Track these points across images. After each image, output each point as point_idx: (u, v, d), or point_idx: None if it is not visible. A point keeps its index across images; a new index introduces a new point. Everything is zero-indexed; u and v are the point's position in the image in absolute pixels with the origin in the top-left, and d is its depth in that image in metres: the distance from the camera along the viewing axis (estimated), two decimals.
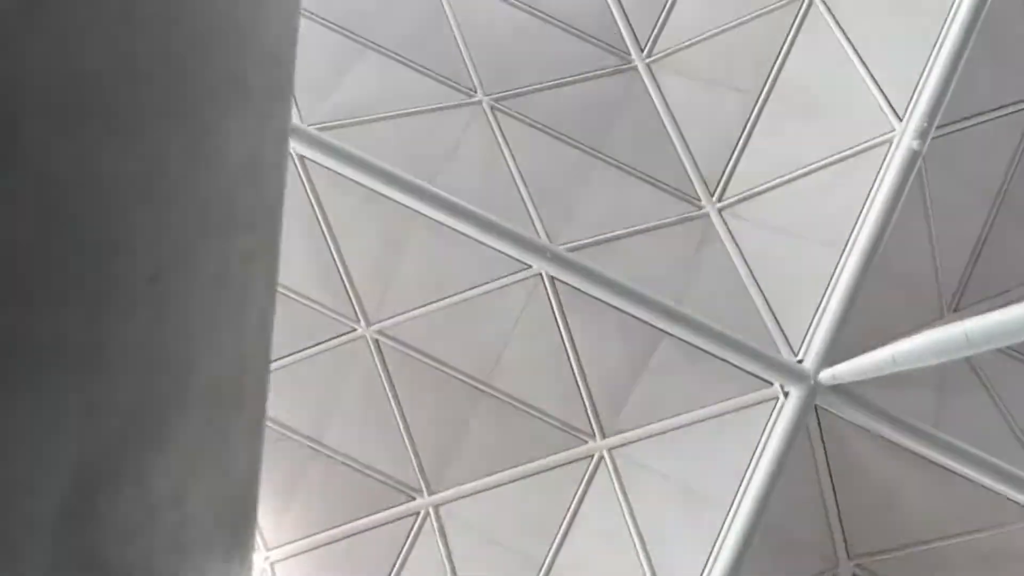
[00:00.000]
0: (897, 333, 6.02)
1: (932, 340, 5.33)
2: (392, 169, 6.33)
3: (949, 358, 5.01)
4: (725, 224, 6.69)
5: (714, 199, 6.79)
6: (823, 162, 6.51)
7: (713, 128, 6.98)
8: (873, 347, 5.98)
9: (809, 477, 6.30)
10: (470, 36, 7.23)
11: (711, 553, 6.00)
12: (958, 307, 6.40)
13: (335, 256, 6.70)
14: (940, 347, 5.26)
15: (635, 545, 6.32)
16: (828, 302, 6.08)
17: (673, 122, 7.03)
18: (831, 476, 6.35)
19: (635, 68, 7.26)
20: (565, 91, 7.11)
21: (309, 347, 6.94)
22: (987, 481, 6.21)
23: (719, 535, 6.01)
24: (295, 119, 6.45)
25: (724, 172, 6.84)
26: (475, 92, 6.97)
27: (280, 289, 6.71)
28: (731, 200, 6.75)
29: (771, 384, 6.17)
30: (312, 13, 7.06)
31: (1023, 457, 6.32)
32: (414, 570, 6.96)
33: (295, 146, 6.42)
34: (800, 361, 6.09)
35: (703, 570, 6.01)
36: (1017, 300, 4.61)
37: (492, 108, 6.92)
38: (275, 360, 6.99)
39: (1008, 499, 6.35)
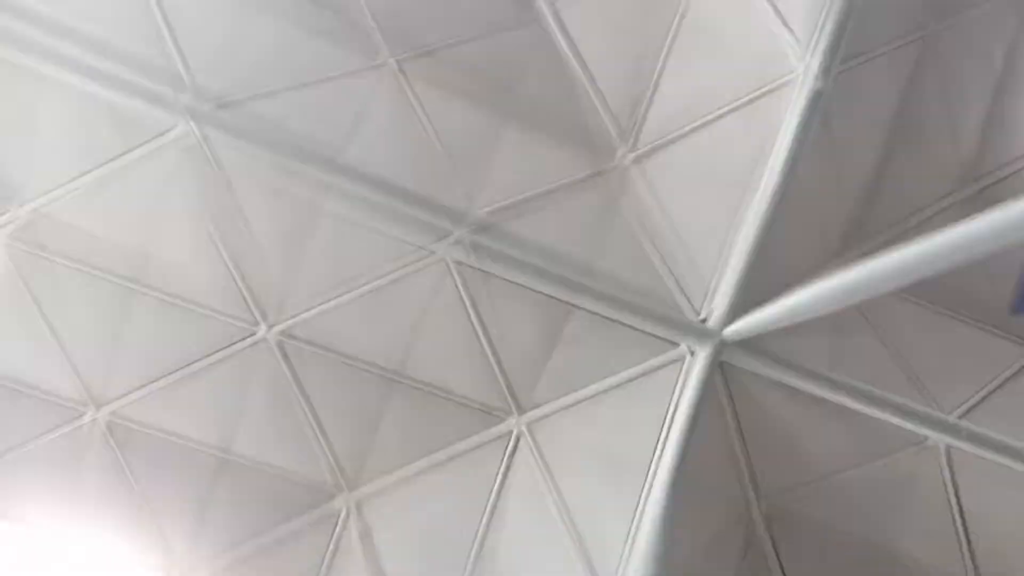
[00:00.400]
0: (797, 279, 6.21)
1: (827, 288, 5.61)
2: (301, 143, 6.03)
3: (845, 304, 5.28)
4: (632, 179, 6.68)
5: (627, 151, 6.71)
6: (726, 108, 6.50)
7: (622, 76, 6.86)
8: (773, 297, 6.21)
9: (719, 430, 6.53)
10: None
11: (635, 516, 6.15)
12: (855, 247, 6.64)
13: (222, 252, 6.40)
14: (835, 295, 5.55)
15: (561, 517, 6.41)
16: (728, 257, 6.23)
17: (582, 64, 6.83)
18: (739, 426, 6.60)
19: (541, 15, 7.01)
20: (470, 46, 6.84)
21: (208, 355, 6.64)
22: (878, 414, 6.58)
23: (640, 498, 6.17)
24: (192, 100, 6.01)
25: (635, 124, 6.78)
26: (379, 54, 6.64)
27: (172, 300, 6.38)
28: (641, 152, 6.70)
29: (677, 345, 6.34)
30: None
31: (908, 390, 6.75)
32: (343, 570, 6.85)
33: (192, 126, 6.00)
34: (704, 320, 6.28)
35: (628, 533, 6.16)
36: (908, 237, 4.87)
37: (399, 70, 6.62)
38: (172, 373, 6.69)
39: (897, 427, 6.76)
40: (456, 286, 6.42)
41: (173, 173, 6.24)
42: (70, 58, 5.88)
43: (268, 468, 6.85)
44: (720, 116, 6.50)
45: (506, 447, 6.67)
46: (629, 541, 6.07)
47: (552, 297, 6.36)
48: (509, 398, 6.63)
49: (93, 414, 6.76)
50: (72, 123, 6.16)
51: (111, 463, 6.83)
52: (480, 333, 6.51)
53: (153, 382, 6.70)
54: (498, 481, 6.64)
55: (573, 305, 6.39)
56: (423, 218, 6.24)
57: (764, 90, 6.34)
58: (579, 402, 6.54)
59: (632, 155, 6.74)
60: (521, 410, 6.65)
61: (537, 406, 6.63)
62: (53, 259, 6.44)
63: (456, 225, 6.26)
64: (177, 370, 6.67)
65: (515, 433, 6.67)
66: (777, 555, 6.73)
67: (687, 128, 6.59)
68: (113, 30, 6.11)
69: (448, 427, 6.72)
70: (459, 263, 6.36)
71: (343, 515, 6.88)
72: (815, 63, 6.09)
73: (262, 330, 6.59)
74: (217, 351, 6.63)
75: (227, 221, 6.37)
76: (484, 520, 6.62)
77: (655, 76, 6.82)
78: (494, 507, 6.62)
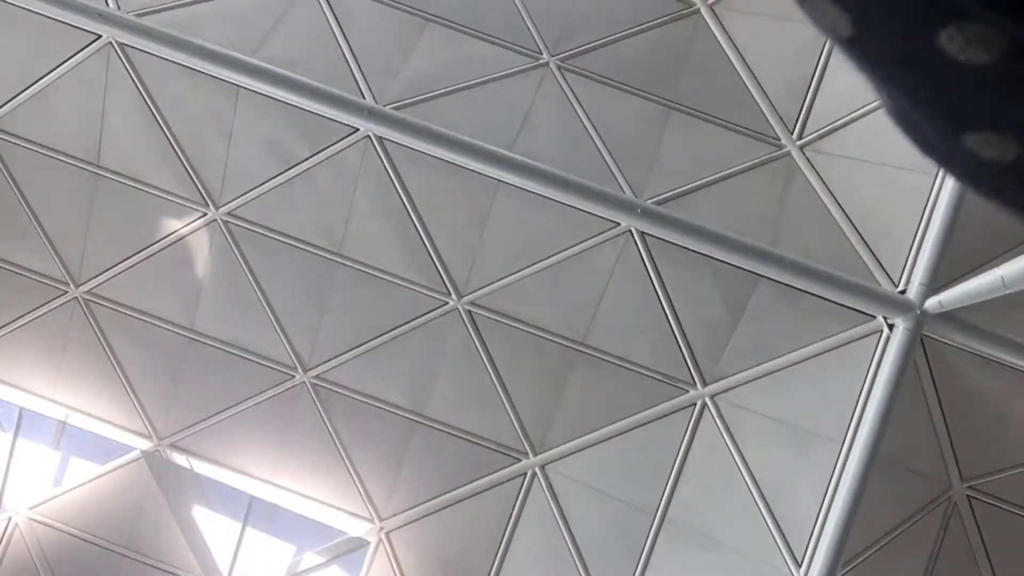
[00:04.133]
0: (997, 253, 5.90)
1: None
2: (471, 140, 6.30)
3: None
4: (808, 161, 6.57)
5: (794, 137, 6.66)
6: None
7: (784, 65, 6.81)
8: (975, 270, 5.89)
9: (919, 405, 6.28)
10: None
11: (828, 488, 6.04)
12: None
13: (421, 233, 6.73)
14: None
15: (748, 487, 6.39)
16: (926, 229, 5.97)
17: (743, 63, 6.87)
18: (940, 403, 6.32)
19: (698, 11, 7.08)
20: (630, 43, 6.97)
21: (404, 324, 7.03)
22: None
23: (834, 471, 6.05)
24: (370, 101, 6.43)
25: (801, 109, 6.69)
26: (541, 54, 6.86)
27: (371, 271, 6.78)
28: (811, 136, 6.62)
29: (874, 317, 6.12)
30: None
31: None
32: (527, 529, 7.13)
33: (372, 127, 6.42)
34: (903, 292, 6.02)
35: (822, 504, 6.06)
36: None
37: (560, 68, 6.82)
38: (372, 339, 7.11)
39: None
40: (640, 256, 6.45)
41: (358, 171, 6.61)
42: (262, 69, 6.33)
43: (457, 431, 7.21)
44: None
45: (690, 418, 6.69)
46: (821, 515, 5.98)
47: (737, 267, 6.28)
48: (693, 369, 6.63)
49: (301, 377, 7.33)
50: (264, 130, 6.65)
51: (316, 422, 7.40)
52: (664, 303, 6.53)
53: (354, 348, 7.17)
54: (681, 451, 6.69)
55: (759, 275, 6.28)
56: (592, 211, 6.33)
57: None
58: (767, 374, 6.45)
59: (801, 140, 6.57)
60: (705, 381, 6.63)
61: (723, 378, 6.59)
62: (265, 234, 6.98)
63: (628, 215, 6.28)
64: (375, 338, 7.10)
65: (699, 404, 6.67)
66: (982, 538, 6.43)
67: (860, 112, 6.36)
68: (300, 49, 6.55)
69: (631, 396, 6.81)
70: (643, 234, 6.38)
71: (528, 476, 7.14)
72: None
73: (452, 300, 6.89)
74: (411, 320, 6.99)
75: (413, 206, 6.68)
76: (667, 489, 6.69)
77: (820, 61, 6.60)
78: (677, 477, 6.68)
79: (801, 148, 6.62)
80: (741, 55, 6.89)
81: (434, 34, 6.90)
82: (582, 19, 7.05)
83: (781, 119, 6.71)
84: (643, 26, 7.03)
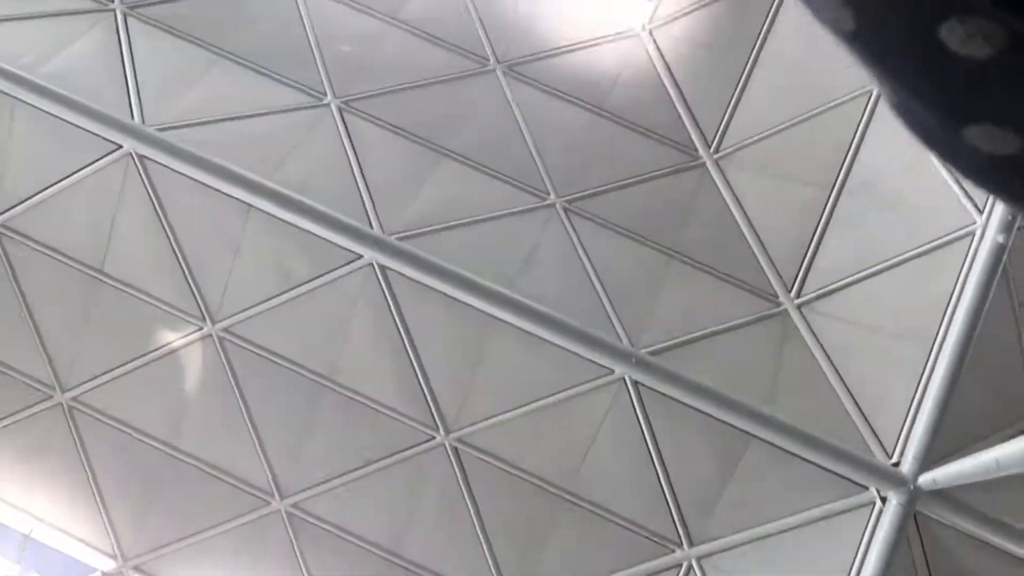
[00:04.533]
0: (992, 433, 5.86)
1: None
2: (472, 276, 6.36)
3: None
4: (806, 321, 6.60)
5: (792, 295, 6.73)
6: (903, 256, 6.43)
7: (786, 223, 6.96)
8: (969, 449, 5.81)
9: None
10: (540, 139, 7.34)
11: None
12: None
13: (414, 364, 6.69)
14: None
15: None
16: (921, 402, 5.92)
17: (745, 218, 7.03)
18: None
19: (703, 165, 7.31)
20: (636, 190, 7.15)
21: (388, 456, 6.88)
22: None
23: None
24: (376, 230, 6.54)
25: (801, 268, 6.79)
26: (548, 194, 7.03)
27: (361, 399, 6.69)
28: (809, 296, 6.68)
29: (866, 488, 5.98)
30: (385, 122, 7.23)
31: None
32: None
33: (376, 256, 6.49)
34: (896, 464, 5.91)
35: None
36: None
37: (566, 210, 6.97)
38: (354, 470, 6.94)
39: None
40: (632, 405, 6.38)
41: (358, 297, 6.67)
42: (273, 191, 6.50)
43: (433, 574, 6.92)
44: (894, 265, 6.40)
45: None
46: None
47: (730, 425, 6.20)
48: (680, 528, 6.43)
49: (277, 504, 7.11)
50: (269, 249, 6.76)
51: (287, 554, 7.12)
52: (654, 456, 6.40)
53: (335, 478, 6.98)
54: None
55: (752, 435, 6.19)
56: (588, 356, 6.33)
57: (940, 241, 6.21)
58: (755, 539, 6.25)
59: (799, 299, 6.66)
60: (692, 542, 6.42)
61: (710, 539, 6.38)
62: (259, 353, 6.94)
63: (623, 363, 6.27)
64: (358, 468, 6.94)
65: (685, 566, 6.44)
66: None
67: (859, 275, 6.49)
68: (312, 171, 6.77)
69: (616, 552, 6.58)
70: (636, 383, 6.34)
71: None
72: (994, 218, 5.94)
73: (440, 436, 6.77)
74: (396, 452, 6.85)
75: (409, 336, 6.68)
76: None
77: (821, 223, 6.79)
78: None
79: (799, 307, 6.67)
80: (744, 210, 7.04)
81: (448, 169, 7.09)
82: (591, 164, 7.26)
83: (780, 277, 6.79)
84: (650, 174, 7.23)
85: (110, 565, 7.33)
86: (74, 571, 7.29)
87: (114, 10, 7.52)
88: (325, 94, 7.32)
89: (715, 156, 7.32)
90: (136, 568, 7.32)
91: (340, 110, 7.24)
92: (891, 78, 0.68)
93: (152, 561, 7.30)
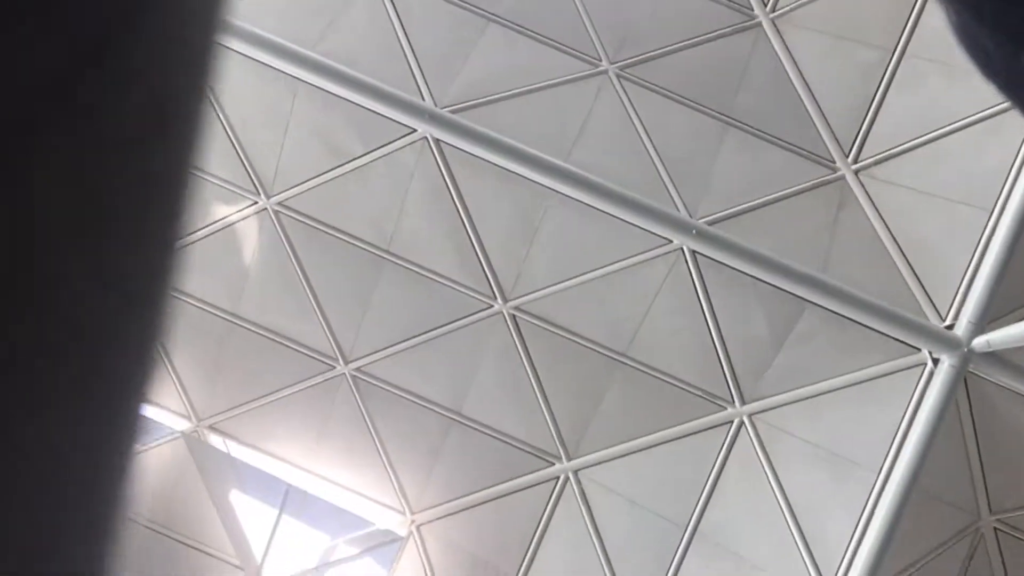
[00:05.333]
0: None
1: None
2: (526, 148, 6.32)
3: None
4: (863, 187, 6.58)
5: (849, 160, 6.66)
6: (965, 121, 6.30)
7: (845, 86, 6.79)
8: (1020, 312, 5.94)
9: (956, 438, 6.34)
10: (589, 1, 7.07)
11: (861, 516, 6.13)
12: None
13: (471, 236, 6.77)
14: None
15: (781, 508, 6.47)
16: (979, 267, 5.99)
17: (802, 81, 6.85)
18: (977, 437, 6.38)
19: (759, 24, 7.05)
20: (689, 53, 6.95)
21: (447, 324, 7.09)
22: None
23: (869, 499, 6.13)
24: (428, 103, 6.45)
25: (859, 132, 6.68)
26: (600, 61, 6.85)
27: (419, 270, 6.83)
28: (868, 161, 6.62)
29: (919, 350, 6.16)
30: None
31: None
32: (558, 532, 7.24)
33: (430, 130, 6.43)
34: (950, 327, 6.06)
35: (854, 532, 6.15)
36: None
37: (618, 76, 6.81)
38: (415, 336, 7.18)
39: None
40: (690, 274, 6.49)
41: (413, 171, 6.64)
42: (323, 65, 6.35)
43: (493, 431, 7.30)
44: (956, 130, 6.26)
45: (727, 435, 6.77)
46: (854, 540, 6.07)
47: (784, 291, 6.32)
48: (732, 387, 6.69)
49: (342, 368, 7.41)
50: (319, 125, 6.67)
51: (354, 413, 7.49)
52: (709, 322, 6.57)
53: (395, 344, 7.24)
54: (716, 468, 6.77)
55: (806, 300, 6.32)
56: (646, 227, 6.36)
57: (1004, 106, 6.02)
58: (807, 398, 6.51)
59: (857, 164, 6.57)
60: (744, 400, 6.70)
61: (762, 398, 6.65)
62: (315, 226, 7.03)
63: (681, 233, 6.31)
64: (418, 335, 7.17)
65: (736, 422, 6.75)
66: (1004, 569, 6.52)
67: (919, 140, 6.37)
68: (360, 45, 6.56)
69: (669, 411, 6.88)
70: (694, 252, 6.42)
71: (561, 480, 7.24)
72: None
73: (498, 304, 6.95)
74: (455, 320, 7.06)
75: (466, 209, 6.71)
76: (701, 501, 6.78)
77: (881, 87, 6.59)
78: (712, 491, 6.77)
79: (856, 172, 6.62)
80: (801, 72, 6.87)
81: (494, 35, 6.89)
82: (642, 27, 7.03)
83: (837, 141, 6.70)
84: (703, 37, 7.01)
85: (184, 425, 7.74)
86: (152, 432, 7.71)
87: None
88: None
89: (771, 15, 7.04)
90: (211, 427, 7.74)
91: None
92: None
93: (225, 421, 7.71)
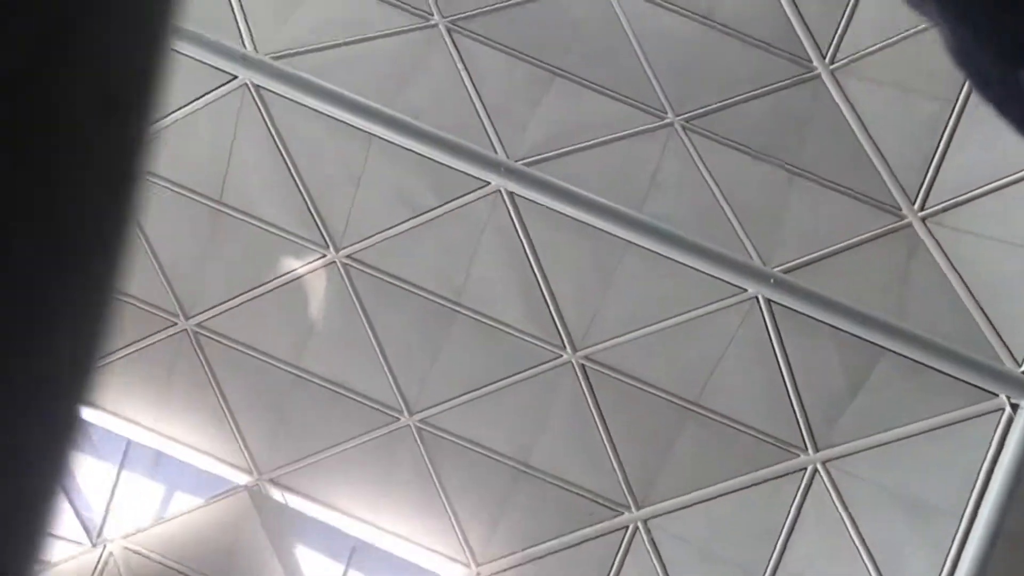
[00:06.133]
0: None
1: None
2: (602, 200, 6.41)
3: None
4: (931, 234, 6.68)
5: (916, 208, 6.77)
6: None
7: (907, 135, 6.92)
8: None
9: None
10: (651, 53, 7.21)
11: (946, 562, 6.12)
12: None
13: (542, 287, 6.81)
14: None
15: (860, 555, 6.46)
16: None
17: (864, 130, 6.98)
18: None
19: (819, 76, 7.20)
20: (752, 105, 7.08)
21: (515, 374, 7.10)
22: None
23: (952, 544, 6.13)
24: (501, 156, 6.53)
25: (924, 180, 6.80)
26: (666, 113, 6.97)
27: (488, 321, 6.86)
28: (935, 208, 6.72)
29: (996, 395, 6.21)
30: (493, 41, 7.09)
31: None
32: None
33: (504, 183, 6.51)
34: None
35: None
36: None
37: (684, 128, 6.93)
38: (482, 387, 7.18)
39: None
40: (764, 323, 6.54)
41: (485, 224, 6.72)
42: (398, 120, 6.46)
43: (561, 481, 7.27)
44: (1020, 179, 6.40)
45: (800, 482, 6.77)
46: None
47: (861, 339, 6.38)
48: (806, 434, 6.71)
49: (406, 419, 7.39)
50: (392, 179, 6.76)
51: (418, 465, 7.45)
52: (783, 370, 6.61)
53: (462, 395, 7.23)
54: (791, 514, 6.76)
55: (883, 348, 6.37)
56: (721, 276, 6.46)
57: None
58: (882, 444, 6.53)
59: (923, 212, 6.70)
60: (818, 447, 6.71)
61: (836, 444, 6.67)
62: (383, 279, 7.06)
63: (756, 282, 6.39)
64: (485, 385, 7.17)
65: (810, 469, 6.75)
66: None
67: (985, 187, 6.51)
68: (432, 100, 6.69)
69: (741, 459, 6.88)
70: (769, 301, 6.48)
71: (630, 530, 7.20)
72: None
73: (567, 354, 6.97)
74: (524, 370, 7.07)
75: (538, 260, 6.77)
76: (777, 549, 6.76)
77: (944, 137, 6.74)
78: (787, 538, 6.75)
79: (923, 220, 6.72)
80: (862, 122, 6.98)
81: (561, 89, 7.00)
82: (703, 79, 7.17)
83: (903, 189, 6.81)
84: (764, 89, 7.14)
85: (245, 479, 7.68)
86: (214, 486, 7.65)
87: None
88: (431, 14, 7.14)
89: (830, 67, 7.20)
90: (272, 481, 7.67)
91: (448, 30, 7.09)
92: (950, 17, 0.65)
93: (286, 475, 7.64)
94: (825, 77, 7.16)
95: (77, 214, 0.42)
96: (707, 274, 6.45)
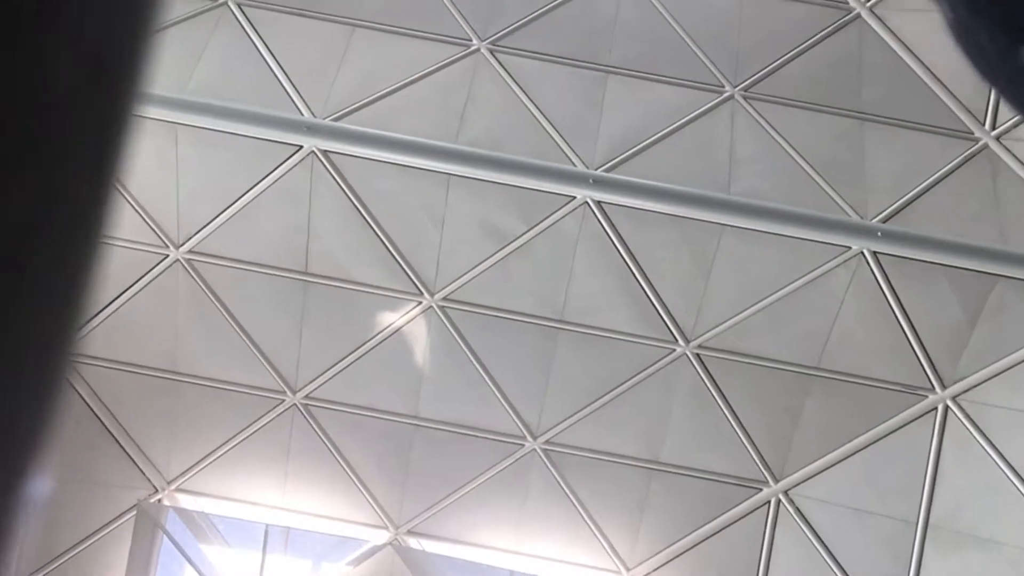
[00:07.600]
0: None
1: None
2: (690, 190, 6.41)
3: None
4: (1008, 150, 6.68)
5: (986, 127, 6.77)
6: None
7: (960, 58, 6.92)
8: None
9: None
10: (693, 32, 7.19)
11: None
12: None
13: (644, 286, 6.82)
14: None
15: (1011, 480, 6.50)
16: None
17: (917, 61, 6.96)
18: None
19: (859, 17, 7.19)
20: (801, 60, 7.06)
21: (632, 377, 7.12)
22: None
23: None
24: (581, 168, 6.53)
25: (989, 99, 6.80)
26: (724, 87, 6.97)
27: (595, 332, 6.86)
28: (1007, 125, 6.73)
29: None
30: (538, 53, 7.07)
31: None
32: (783, 557, 7.23)
33: (591, 194, 6.51)
34: None
35: None
36: None
37: (745, 98, 6.93)
38: (601, 397, 7.19)
39: None
40: (874, 276, 6.56)
41: (576, 237, 6.72)
42: (472, 155, 6.46)
43: (695, 471, 7.30)
44: None
45: (935, 422, 6.81)
46: None
47: (970, 271, 6.40)
48: (931, 375, 6.74)
49: (531, 444, 7.41)
50: (476, 214, 6.76)
51: (551, 485, 7.48)
52: (900, 318, 6.64)
53: (582, 409, 7.25)
54: (932, 455, 6.80)
55: (994, 275, 6.40)
56: (822, 239, 6.46)
57: None
58: (1010, 368, 6.57)
59: (996, 131, 6.71)
60: (945, 385, 6.75)
61: (963, 378, 6.70)
62: (483, 313, 7.07)
63: (860, 238, 6.40)
64: (603, 395, 7.19)
65: (941, 407, 6.79)
66: None
67: None
68: (495, 123, 6.68)
69: (870, 411, 6.92)
70: (875, 253, 6.50)
71: (773, 504, 7.24)
72: None
73: (681, 347, 6.99)
74: (639, 372, 7.08)
75: (636, 262, 6.78)
76: (925, 493, 6.80)
77: None
78: (934, 480, 6.79)
79: (998, 139, 6.73)
80: (914, 54, 6.98)
81: (616, 86, 7.00)
82: (748, 45, 7.16)
83: (970, 112, 6.81)
84: (810, 40, 7.13)
85: (384, 536, 7.70)
86: (354, 549, 7.66)
87: (226, 3, 7.21)
88: (470, 40, 7.12)
89: (867, 3, 7.19)
90: (410, 532, 7.69)
91: (491, 52, 7.07)
92: None
93: (424, 523, 7.67)
94: (865, 15, 7.14)
95: (63, 181, 0.42)
96: (808, 240, 6.46)
